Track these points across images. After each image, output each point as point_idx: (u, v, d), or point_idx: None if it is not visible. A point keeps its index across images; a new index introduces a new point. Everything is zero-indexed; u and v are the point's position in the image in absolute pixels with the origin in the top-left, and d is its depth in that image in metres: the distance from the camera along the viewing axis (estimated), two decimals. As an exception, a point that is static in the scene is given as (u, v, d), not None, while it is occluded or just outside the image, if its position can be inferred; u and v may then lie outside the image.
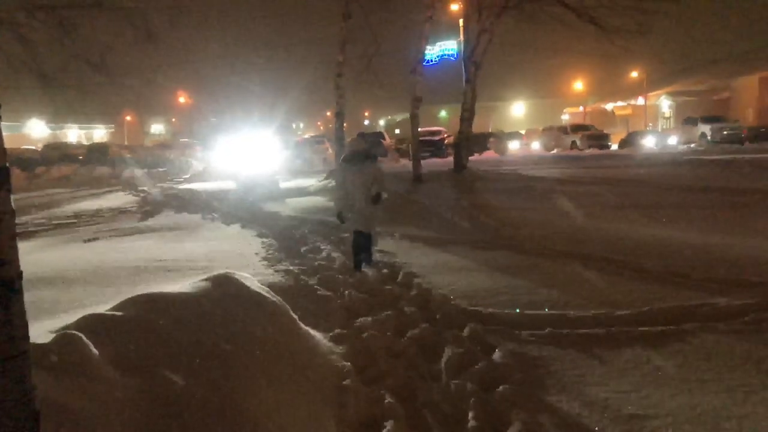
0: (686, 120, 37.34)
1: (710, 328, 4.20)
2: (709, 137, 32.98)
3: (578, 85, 58.19)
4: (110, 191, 19.21)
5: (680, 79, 50.55)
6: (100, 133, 68.63)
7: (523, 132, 44.52)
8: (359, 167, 6.40)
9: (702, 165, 18.14)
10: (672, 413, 3.09)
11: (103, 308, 3.06)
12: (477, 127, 23.43)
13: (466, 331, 4.24)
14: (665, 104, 50.66)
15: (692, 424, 2.98)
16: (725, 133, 32.57)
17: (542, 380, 3.54)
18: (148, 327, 2.89)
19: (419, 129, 18.04)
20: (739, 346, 3.88)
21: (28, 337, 1.78)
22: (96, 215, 12.33)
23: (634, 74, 52.68)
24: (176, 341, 2.90)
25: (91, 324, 2.74)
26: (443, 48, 35.60)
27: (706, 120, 34.77)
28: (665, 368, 3.63)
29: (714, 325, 4.25)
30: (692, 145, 32.68)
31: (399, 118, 64.72)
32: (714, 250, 6.58)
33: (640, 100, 51.50)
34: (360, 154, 6.49)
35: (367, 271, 6.24)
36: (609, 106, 57.22)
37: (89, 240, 8.89)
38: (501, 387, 3.40)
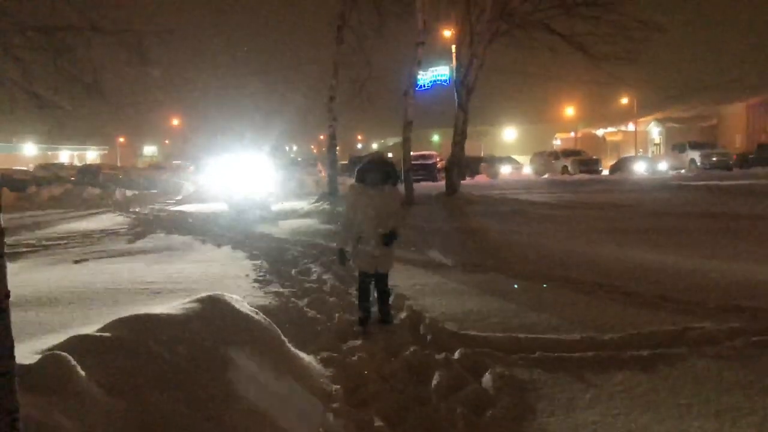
0: (675, 146, 37.80)
1: (699, 353, 4.21)
2: (698, 163, 33.37)
3: (569, 111, 58.84)
4: (101, 212, 19.13)
5: (669, 105, 51.25)
6: (92, 155, 68.62)
7: (515, 156, 44.80)
8: (375, 190, 5.02)
9: (691, 190, 18.32)
10: (661, 437, 3.08)
11: (90, 329, 3.04)
12: (469, 151, 23.61)
13: (456, 354, 4.23)
14: (655, 130, 51.29)
15: (681, 448, 2.98)
16: (714, 159, 32.98)
17: (532, 404, 3.54)
18: (136, 348, 2.88)
19: (412, 153, 18.18)
20: (728, 370, 3.89)
21: (13, 357, 1.77)
22: (86, 236, 12.26)
23: (624, 101, 53.42)
24: (164, 363, 2.88)
25: (79, 345, 2.73)
26: (435, 73, 36.03)
27: (695, 146, 35.23)
28: (654, 392, 3.63)
29: (703, 350, 4.26)
30: (682, 171, 33.03)
31: (392, 141, 65.14)
32: (703, 275, 6.62)
33: (630, 126, 52.12)
34: (378, 172, 5.04)
35: (388, 326, 5.09)
36: (600, 132, 57.85)
37: (78, 261, 8.84)
38: (490, 410, 3.39)
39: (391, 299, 5.41)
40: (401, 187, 15.97)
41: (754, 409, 3.33)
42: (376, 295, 5.29)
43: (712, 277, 6.50)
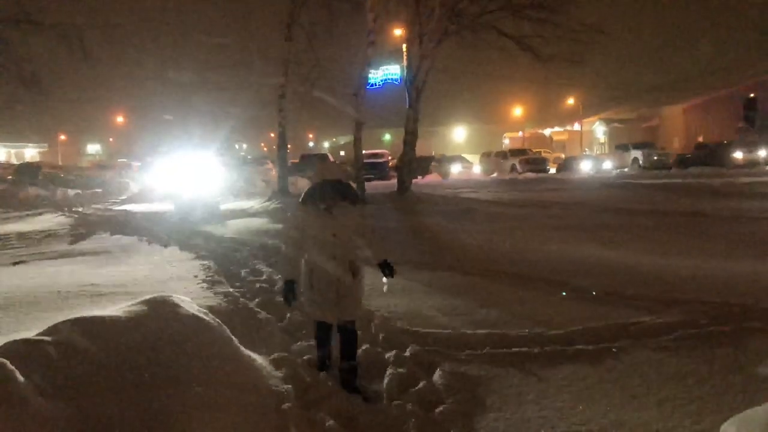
0: (619, 146, 39.02)
1: (641, 346, 4.37)
2: (640, 162, 34.53)
3: (517, 111, 59.93)
4: (41, 213, 18.42)
5: (613, 106, 52.87)
6: (31, 153, 65.98)
7: (465, 156, 45.32)
8: (332, 213, 3.83)
9: (633, 188, 18.94)
10: (605, 428, 3.18)
11: (30, 334, 2.92)
12: (420, 150, 23.75)
13: (407, 352, 4.26)
14: (599, 130, 52.79)
15: (624, 438, 3.08)
16: (655, 158, 34.20)
17: (481, 399, 3.59)
18: (78, 352, 2.78)
19: (363, 152, 18.19)
20: (667, 362, 4.05)
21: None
22: (25, 237, 11.79)
23: (571, 101, 54.78)
24: (109, 366, 2.80)
25: (17, 350, 2.62)
26: (386, 72, 36.12)
27: (637, 146, 36.45)
28: (599, 385, 3.74)
29: (644, 343, 4.42)
30: (625, 170, 34.11)
31: (343, 140, 64.98)
32: (645, 270, 6.85)
33: (576, 126, 53.50)
34: (332, 189, 3.85)
35: (364, 394, 3.80)
36: (547, 132, 59.20)
37: (16, 263, 8.48)
38: (441, 407, 3.43)
39: (357, 354, 4.08)
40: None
41: (692, 398, 3.48)
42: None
43: (654, 272, 6.74)
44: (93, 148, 77.16)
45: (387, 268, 3.95)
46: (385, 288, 4.15)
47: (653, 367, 3.97)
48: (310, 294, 3.93)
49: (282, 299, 3.97)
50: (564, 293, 5.85)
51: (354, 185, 3.82)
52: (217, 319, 3.95)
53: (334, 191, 3.86)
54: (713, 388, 3.62)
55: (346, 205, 3.88)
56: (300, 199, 3.98)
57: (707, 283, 6.11)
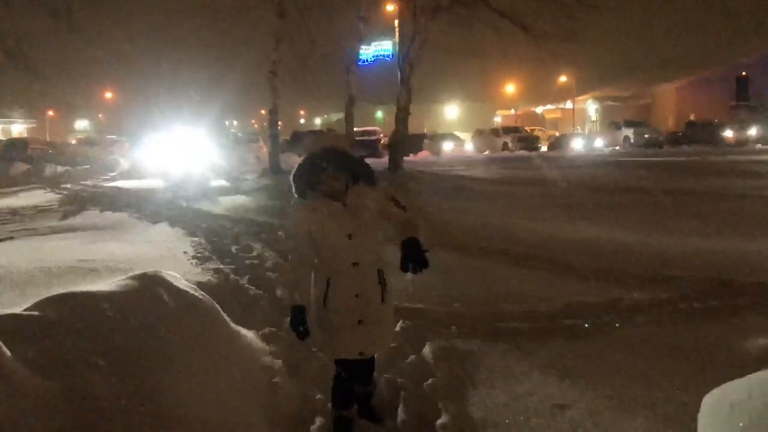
0: (611, 124, 39.09)
1: (629, 321, 4.41)
2: (632, 140, 34.64)
3: (510, 89, 59.65)
4: (29, 189, 18.28)
5: (606, 84, 52.73)
6: (18, 128, 65.25)
7: (457, 133, 45.25)
8: (345, 204, 2.76)
9: (624, 167, 19.00)
10: (592, 402, 3.22)
11: (18, 309, 2.91)
12: (412, 128, 23.66)
13: (397, 327, 4.27)
14: (592, 108, 52.78)
15: (611, 411, 3.12)
16: (646, 137, 34.33)
17: (470, 373, 3.62)
18: (67, 327, 2.77)
19: (355, 129, 18.10)
20: (655, 337, 4.10)
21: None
22: (13, 214, 11.70)
23: (563, 79, 54.55)
24: (98, 341, 2.79)
25: (4, 325, 2.60)
26: (378, 48, 35.85)
27: (629, 124, 36.55)
28: (587, 360, 3.78)
29: (632, 318, 4.46)
30: (617, 148, 34.20)
31: (335, 117, 64.54)
32: (634, 247, 6.90)
33: (569, 104, 53.42)
34: (335, 163, 2.71)
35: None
36: (539, 110, 59.09)
37: (4, 240, 8.43)
38: (430, 380, 3.46)
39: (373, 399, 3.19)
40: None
41: (678, 372, 3.52)
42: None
43: (642, 249, 6.79)
44: (82, 124, 76.37)
45: (415, 257, 2.72)
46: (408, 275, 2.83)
47: (641, 342, 4.01)
48: (321, 318, 2.83)
49: (291, 327, 2.82)
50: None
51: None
52: (207, 295, 3.95)
53: (339, 167, 2.70)
54: (699, 362, 3.66)
55: (361, 189, 2.77)
56: (293, 190, 2.78)
57: (696, 260, 6.17)
